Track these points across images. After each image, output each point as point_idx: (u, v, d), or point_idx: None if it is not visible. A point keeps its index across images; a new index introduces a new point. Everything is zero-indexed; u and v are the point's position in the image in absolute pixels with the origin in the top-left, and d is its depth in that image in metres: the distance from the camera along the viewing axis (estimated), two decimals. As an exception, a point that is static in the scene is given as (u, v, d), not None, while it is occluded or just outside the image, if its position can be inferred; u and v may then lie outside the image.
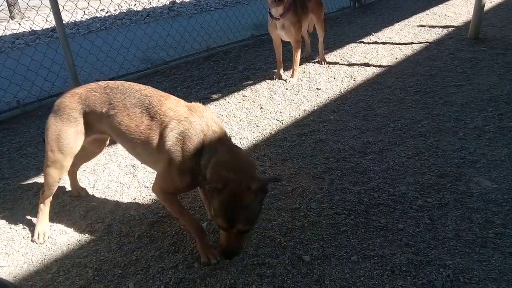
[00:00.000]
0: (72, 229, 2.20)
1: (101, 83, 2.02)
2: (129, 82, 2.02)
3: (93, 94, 1.96)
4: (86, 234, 2.15)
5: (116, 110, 1.91)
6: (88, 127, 1.99)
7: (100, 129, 2.01)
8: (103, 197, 2.46)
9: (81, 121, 1.97)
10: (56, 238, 2.14)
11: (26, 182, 2.64)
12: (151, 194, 2.44)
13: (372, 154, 2.70)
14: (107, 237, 2.12)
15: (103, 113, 1.93)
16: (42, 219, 2.15)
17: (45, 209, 2.15)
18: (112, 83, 2.00)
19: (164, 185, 1.87)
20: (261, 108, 3.49)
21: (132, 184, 2.56)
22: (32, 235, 2.14)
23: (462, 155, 2.60)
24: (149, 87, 1.99)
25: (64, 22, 3.64)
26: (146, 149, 1.88)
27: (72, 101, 1.97)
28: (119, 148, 2.96)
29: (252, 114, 3.38)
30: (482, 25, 4.81)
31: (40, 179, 2.64)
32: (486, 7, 5.39)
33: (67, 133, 1.96)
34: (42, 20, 6.53)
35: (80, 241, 2.11)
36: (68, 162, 2.04)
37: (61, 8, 3.61)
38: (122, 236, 2.12)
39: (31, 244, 2.11)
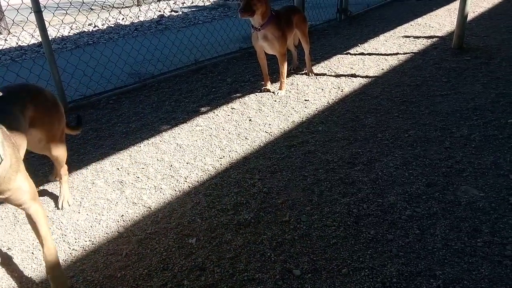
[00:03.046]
0: (58, 248, 2.15)
1: None
2: None
3: None
4: (72, 253, 2.11)
5: None
6: None
7: None
8: (90, 214, 2.42)
9: None
10: (41, 258, 2.09)
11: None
12: (139, 211, 2.41)
13: (360, 164, 2.71)
14: (94, 256, 2.08)
15: None
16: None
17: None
18: None
19: None
20: (250, 120, 3.49)
21: (120, 201, 2.52)
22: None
23: (449, 164, 2.62)
24: None
25: (51, 37, 3.63)
26: None
27: None
28: (106, 164, 2.93)
29: (241, 127, 3.38)
30: (466, 35, 4.92)
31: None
32: (469, 17, 5.52)
33: None
34: (29, 36, 6.50)
35: (65, 261, 2.06)
36: None
37: (47, 24, 3.60)
38: (109, 255, 2.08)
39: (15, 265, 2.06)
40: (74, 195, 2.61)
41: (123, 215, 2.39)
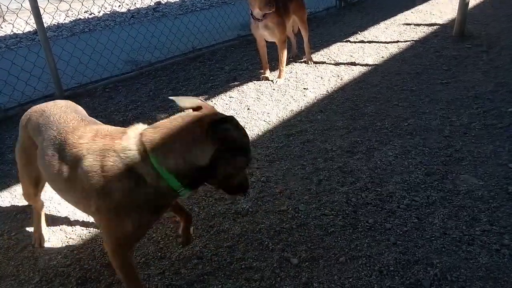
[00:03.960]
0: (54, 237, 2.15)
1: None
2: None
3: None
4: (69, 242, 2.10)
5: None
6: None
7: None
8: (87, 203, 2.40)
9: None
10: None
11: (7, 190, 2.57)
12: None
13: (359, 153, 2.69)
14: (91, 245, 2.07)
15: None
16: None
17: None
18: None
19: None
20: (248, 109, 3.46)
21: (117, 189, 2.51)
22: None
23: (448, 153, 2.61)
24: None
25: (46, 24, 3.56)
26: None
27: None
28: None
29: (239, 116, 3.35)
30: (467, 22, 4.85)
31: (21, 187, 2.57)
32: (471, 4, 5.44)
33: None
34: (24, 23, 6.41)
35: (62, 250, 2.05)
36: None
37: (42, 11, 3.54)
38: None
39: (12, 254, 2.05)
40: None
41: (120, 204, 2.37)
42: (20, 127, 1.83)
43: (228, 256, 1.94)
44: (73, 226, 2.22)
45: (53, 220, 2.27)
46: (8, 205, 2.43)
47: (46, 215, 2.32)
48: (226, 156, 1.34)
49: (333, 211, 2.19)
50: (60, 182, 1.51)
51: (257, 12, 3.58)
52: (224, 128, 1.31)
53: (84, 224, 2.23)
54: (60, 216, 2.30)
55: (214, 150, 1.30)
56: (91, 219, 2.25)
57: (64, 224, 2.24)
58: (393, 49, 4.59)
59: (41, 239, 2.07)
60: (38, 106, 1.82)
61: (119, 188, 1.34)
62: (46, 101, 1.85)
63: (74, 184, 1.44)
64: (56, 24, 6.71)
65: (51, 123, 1.62)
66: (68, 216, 2.30)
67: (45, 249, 2.06)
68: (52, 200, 2.43)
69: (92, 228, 2.19)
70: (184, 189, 1.38)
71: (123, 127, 1.56)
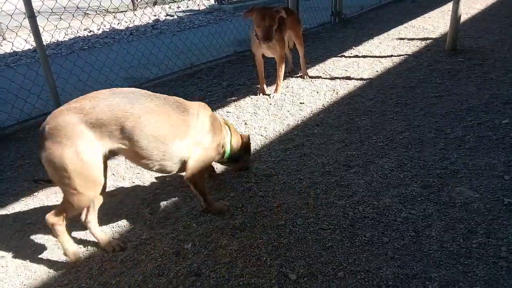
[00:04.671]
0: (52, 255, 2.14)
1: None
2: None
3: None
4: (65, 260, 2.09)
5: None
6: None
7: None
8: (85, 220, 2.40)
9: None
10: (36, 266, 2.08)
11: (5, 208, 2.57)
12: (134, 217, 2.40)
13: (356, 167, 2.71)
14: (88, 263, 2.06)
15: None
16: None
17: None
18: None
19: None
20: (245, 124, 3.49)
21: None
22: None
23: (443, 165, 2.63)
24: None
25: (46, 42, 3.62)
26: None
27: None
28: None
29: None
30: (459, 37, 4.95)
31: (19, 205, 2.58)
32: (463, 19, 5.55)
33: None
34: (24, 41, 6.48)
35: (60, 268, 2.04)
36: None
37: (41, 29, 3.59)
38: (104, 261, 2.06)
39: (9, 273, 2.04)
40: (69, 201, 2.59)
41: (117, 221, 2.38)
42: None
43: (226, 272, 1.93)
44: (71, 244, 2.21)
45: (50, 239, 2.27)
46: (6, 224, 2.43)
47: (43, 234, 2.32)
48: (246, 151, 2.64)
49: (330, 225, 2.20)
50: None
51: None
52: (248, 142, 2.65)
53: (82, 242, 2.22)
54: (58, 234, 2.30)
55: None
56: (88, 237, 2.24)
57: (62, 242, 2.23)
58: (387, 63, 4.66)
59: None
60: None
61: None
62: (45, 119, 1.87)
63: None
64: (55, 41, 6.79)
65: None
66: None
67: (43, 268, 2.05)
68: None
69: (90, 246, 2.18)
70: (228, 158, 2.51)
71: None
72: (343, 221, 2.22)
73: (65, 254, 2.03)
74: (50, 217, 1.94)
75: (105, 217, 2.41)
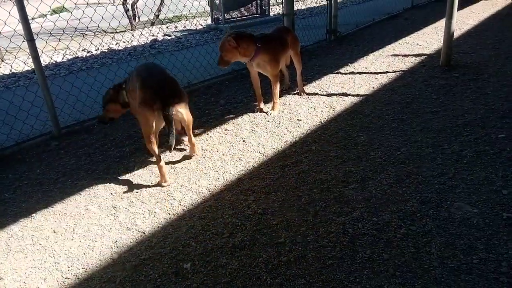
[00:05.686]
0: (50, 277, 2.12)
1: None
2: None
3: None
4: (65, 282, 2.07)
5: None
6: None
7: None
8: (83, 241, 2.39)
9: None
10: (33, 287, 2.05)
11: (4, 230, 2.55)
12: (133, 236, 2.38)
13: (354, 183, 2.72)
14: (87, 284, 2.04)
15: None
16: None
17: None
18: None
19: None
20: (243, 141, 3.51)
21: (114, 226, 2.50)
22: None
23: (442, 181, 2.64)
24: None
25: (44, 63, 3.66)
26: None
27: None
28: (99, 189, 2.91)
29: (234, 148, 3.39)
30: (453, 52, 5.03)
31: (17, 226, 2.56)
32: (456, 34, 5.65)
33: None
34: (22, 63, 6.54)
35: (58, 290, 2.02)
36: None
37: (40, 52, 3.64)
38: (103, 282, 2.04)
39: (6, 296, 2.02)
40: (67, 222, 2.58)
41: (116, 241, 2.36)
42: None
43: (226, 292, 1.92)
44: (69, 265, 2.19)
45: (49, 259, 2.25)
46: (4, 245, 2.41)
47: (41, 253, 2.30)
48: None
49: (330, 242, 2.19)
50: None
51: (241, 60, 3.79)
52: None
53: (81, 262, 2.20)
54: (55, 255, 2.28)
55: None
56: (88, 258, 2.22)
57: (60, 263, 2.22)
58: (383, 79, 4.72)
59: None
60: None
61: None
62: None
63: None
64: (53, 62, 6.86)
65: None
66: (65, 254, 2.27)
67: (40, 290, 2.03)
68: (49, 239, 2.41)
69: (89, 267, 2.16)
70: None
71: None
72: (343, 238, 2.21)
73: None
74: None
75: (104, 237, 2.39)
